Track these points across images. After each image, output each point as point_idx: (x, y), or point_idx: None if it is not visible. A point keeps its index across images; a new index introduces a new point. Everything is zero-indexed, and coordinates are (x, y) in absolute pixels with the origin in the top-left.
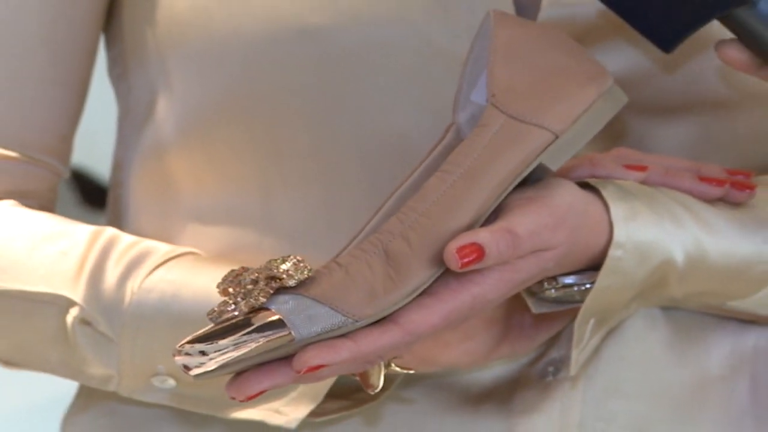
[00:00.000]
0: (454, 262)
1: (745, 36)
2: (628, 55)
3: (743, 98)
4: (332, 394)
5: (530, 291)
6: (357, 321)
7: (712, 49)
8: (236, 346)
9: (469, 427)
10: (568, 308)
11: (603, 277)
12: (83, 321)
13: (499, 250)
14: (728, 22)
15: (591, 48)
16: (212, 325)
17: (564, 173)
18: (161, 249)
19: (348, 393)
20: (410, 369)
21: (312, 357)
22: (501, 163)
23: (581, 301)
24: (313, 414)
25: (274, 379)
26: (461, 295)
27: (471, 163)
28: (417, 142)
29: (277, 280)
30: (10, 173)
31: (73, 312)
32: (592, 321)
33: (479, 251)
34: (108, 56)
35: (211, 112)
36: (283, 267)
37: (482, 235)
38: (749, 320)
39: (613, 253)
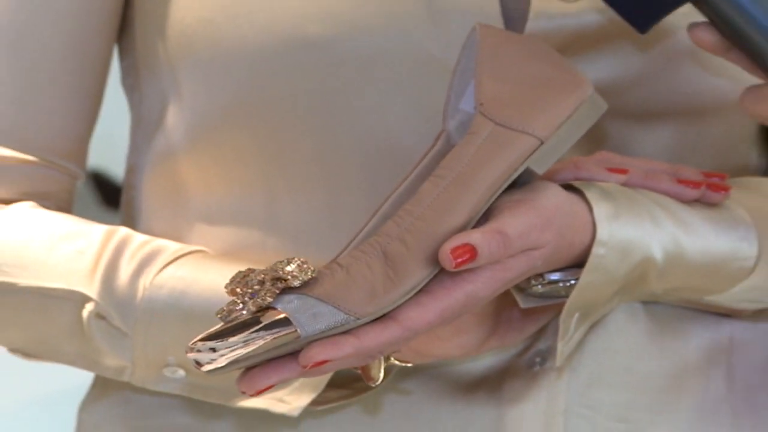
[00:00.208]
0: (448, 262)
1: (715, 19)
2: (609, 64)
3: (718, 106)
4: (333, 384)
5: (519, 287)
6: (359, 318)
7: (689, 57)
8: (245, 343)
9: (463, 415)
10: (554, 303)
11: (587, 273)
12: (98, 315)
13: (491, 250)
14: (700, 5)
15: (574, 58)
16: (222, 323)
17: (549, 176)
18: (171, 247)
19: (348, 382)
20: (408, 362)
21: (317, 353)
22: (490, 167)
23: (566, 296)
24: (314, 402)
25: (281, 374)
26: (455, 293)
27: (462, 169)
28: (413, 146)
29: (283, 281)
30: (29, 176)
31: (89, 307)
32: (576, 315)
33: (472, 251)
34: (121, 67)
35: (218, 119)
36: (288, 268)
37: (474, 237)
38: (725, 314)
39: (596, 251)
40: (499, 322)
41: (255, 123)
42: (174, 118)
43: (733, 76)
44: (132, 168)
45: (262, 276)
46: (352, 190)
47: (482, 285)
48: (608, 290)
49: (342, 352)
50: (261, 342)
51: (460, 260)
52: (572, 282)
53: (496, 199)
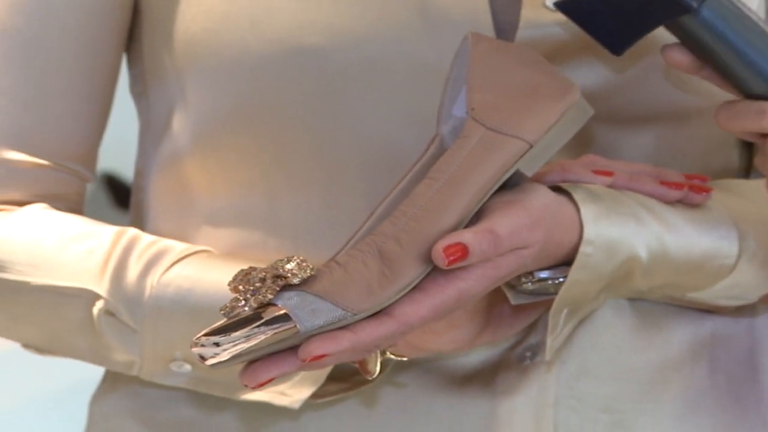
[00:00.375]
0: (441, 260)
1: (688, 41)
2: (595, 71)
3: (699, 111)
4: (332, 378)
5: (509, 284)
6: (356, 314)
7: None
8: (247, 338)
9: (456, 407)
10: (543, 300)
11: (574, 271)
12: (108, 312)
13: (482, 249)
14: (673, 29)
15: (562, 65)
16: (225, 319)
17: (538, 178)
18: (177, 247)
19: (346, 376)
20: (403, 356)
21: (316, 347)
22: (481, 170)
23: (555, 293)
24: (314, 395)
25: (282, 368)
26: (448, 289)
27: (454, 171)
28: (408, 149)
29: (283, 279)
30: (41, 179)
31: (99, 304)
32: (565, 311)
33: (464, 250)
34: (129, 74)
35: (221, 124)
36: (288, 266)
37: (466, 236)
38: (708, 310)
39: (584, 249)
40: (491, 318)
41: (257, 128)
42: (180, 124)
43: (708, 90)
44: (140, 171)
45: (263, 274)
46: (350, 192)
47: (474, 282)
48: (595, 287)
49: (339, 347)
50: (262, 337)
51: (452, 258)
52: (561, 279)
53: (488, 200)
